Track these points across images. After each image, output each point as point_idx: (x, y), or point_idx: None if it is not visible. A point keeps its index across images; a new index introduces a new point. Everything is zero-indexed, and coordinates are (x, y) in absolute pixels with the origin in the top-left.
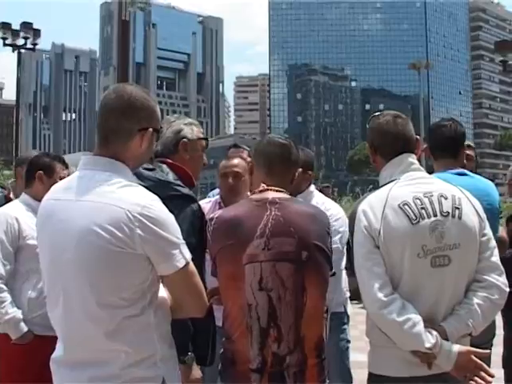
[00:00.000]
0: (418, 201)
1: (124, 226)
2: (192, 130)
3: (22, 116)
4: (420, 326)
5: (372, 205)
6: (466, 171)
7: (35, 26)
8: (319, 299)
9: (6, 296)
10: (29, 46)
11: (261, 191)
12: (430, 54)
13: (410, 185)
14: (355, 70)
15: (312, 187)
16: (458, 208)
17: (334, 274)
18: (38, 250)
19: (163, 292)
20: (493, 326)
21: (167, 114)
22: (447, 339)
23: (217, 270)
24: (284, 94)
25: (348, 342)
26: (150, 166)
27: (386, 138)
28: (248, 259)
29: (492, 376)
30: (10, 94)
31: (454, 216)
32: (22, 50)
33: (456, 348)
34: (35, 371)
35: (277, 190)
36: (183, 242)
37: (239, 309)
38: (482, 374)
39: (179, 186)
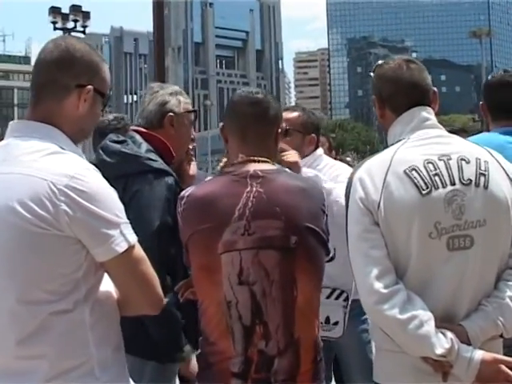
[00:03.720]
0: (431, 165)
1: (46, 201)
2: (179, 101)
3: None
4: (429, 326)
5: (371, 171)
6: None
7: (92, 10)
8: (313, 292)
9: None
10: (79, 28)
11: (240, 163)
12: (492, 21)
13: (421, 145)
14: (415, 40)
15: (320, 150)
16: (483, 174)
17: (331, 259)
18: None
19: (109, 284)
20: None
21: (227, 93)
22: (469, 343)
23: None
24: (344, 68)
25: None
26: (121, 138)
27: (398, 86)
28: (224, 247)
29: None
30: None
31: (478, 185)
32: (81, 35)
33: (479, 355)
34: None
35: (260, 161)
36: (126, 221)
37: (216, 306)
38: None
39: (150, 159)
